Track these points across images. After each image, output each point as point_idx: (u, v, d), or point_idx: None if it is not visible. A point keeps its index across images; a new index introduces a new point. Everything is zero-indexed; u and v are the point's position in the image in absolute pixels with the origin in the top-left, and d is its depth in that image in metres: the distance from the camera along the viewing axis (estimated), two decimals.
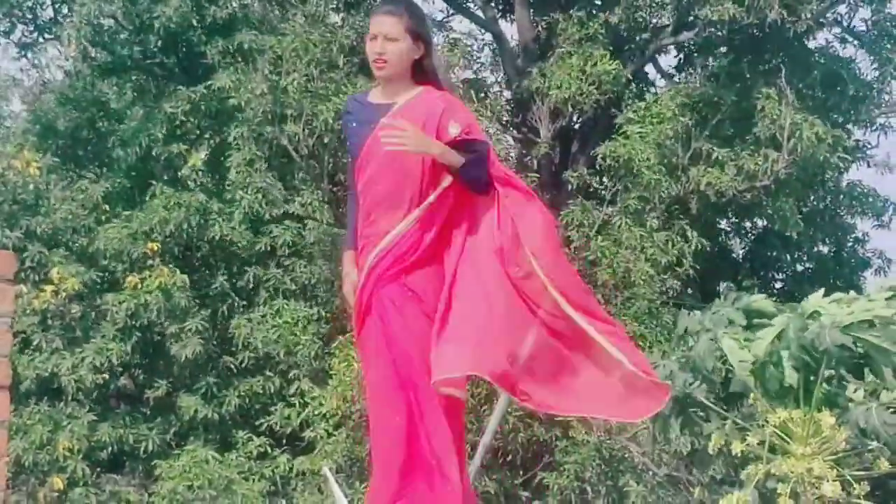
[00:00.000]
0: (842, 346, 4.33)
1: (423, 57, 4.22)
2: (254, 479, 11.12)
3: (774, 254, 14.94)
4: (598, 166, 12.47)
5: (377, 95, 4.31)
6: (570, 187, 12.74)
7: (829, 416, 4.31)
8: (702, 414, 4.82)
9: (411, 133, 4.02)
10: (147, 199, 12.03)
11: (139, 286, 11.37)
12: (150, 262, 11.51)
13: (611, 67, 12.31)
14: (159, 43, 12.92)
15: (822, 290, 4.84)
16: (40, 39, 14.23)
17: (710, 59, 13.49)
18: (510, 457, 10.78)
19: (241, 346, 11.75)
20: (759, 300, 4.95)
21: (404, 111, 4.16)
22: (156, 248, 11.51)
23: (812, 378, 4.40)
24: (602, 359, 4.11)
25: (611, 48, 12.78)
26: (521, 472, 11.14)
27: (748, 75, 12.95)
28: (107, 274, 12.09)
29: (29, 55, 14.06)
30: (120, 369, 11.96)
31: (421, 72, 4.23)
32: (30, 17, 14.00)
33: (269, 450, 11.46)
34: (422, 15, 4.34)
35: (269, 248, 11.92)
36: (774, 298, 5.32)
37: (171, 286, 11.39)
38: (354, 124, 4.31)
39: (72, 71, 13.74)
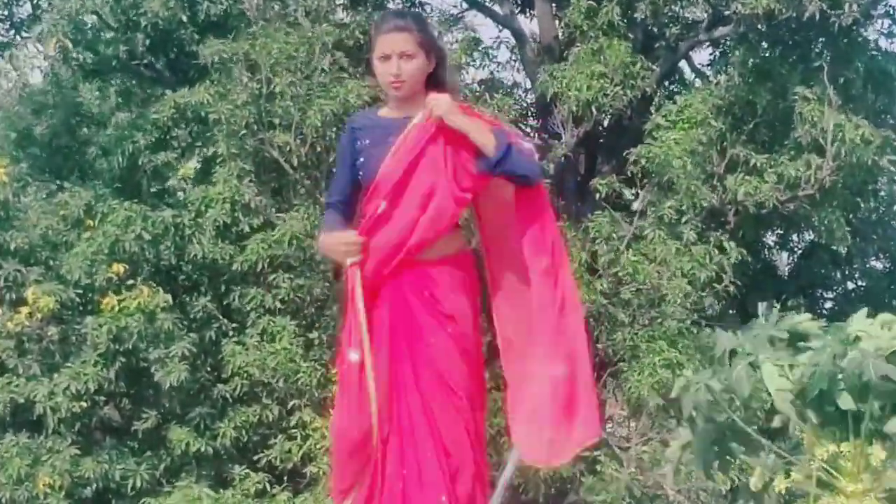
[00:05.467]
0: (885, 378, 4.31)
1: (436, 69, 4.34)
2: None
3: (823, 271, 14.91)
4: (629, 173, 12.49)
5: (389, 111, 4.43)
6: (597, 196, 12.76)
7: (881, 450, 4.30)
8: (743, 447, 4.82)
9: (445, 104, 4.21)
10: (99, 217, 11.99)
11: (117, 308, 11.38)
12: (129, 281, 11.54)
13: (638, 66, 12.35)
14: (147, 42, 12.96)
15: (864, 310, 4.80)
16: (17, 38, 14.27)
17: (747, 56, 13.51)
18: (532, 494, 10.80)
19: (233, 372, 11.76)
20: (804, 321, 4.94)
21: (423, 126, 4.29)
22: (122, 270, 11.53)
23: (860, 407, 4.39)
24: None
25: (639, 45, 12.82)
26: None
27: (786, 73, 12.97)
28: (87, 294, 12.11)
29: (5, 55, 14.07)
30: (103, 398, 11.95)
31: (434, 84, 4.35)
32: (5, 13, 14.09)
33: (268, 486, 11.47)
34: (431, 26, 4.53)
35: (258, 266, 11.88)
36: (824, 320, 5.31)
37: (153, 307, 11.42)
38: (368, 141, 4.40)
39: (50, 73, 13.78)
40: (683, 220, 12.16)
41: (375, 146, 4.35)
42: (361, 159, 4.41)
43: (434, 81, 4.34)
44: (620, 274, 11.91)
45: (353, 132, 4.49)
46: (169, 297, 11.59)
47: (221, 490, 11.38)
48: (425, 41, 4.30)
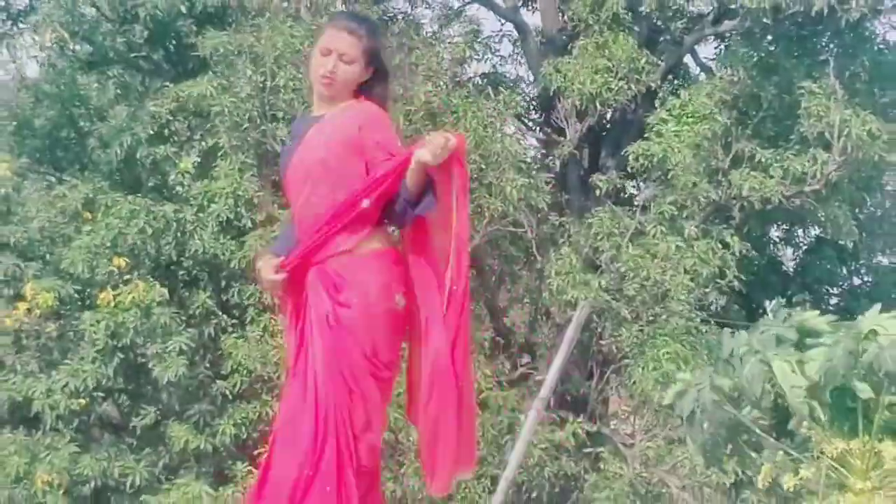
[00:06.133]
0: None
1: (371, 80, 4.32)
2: None
3: (828, 266, 14.92)
4: (629, 169, 12.52)
5: (313, 109, 4.45)
6: (598, 192, 12.78)
7: (893, 447, 4.31)
8: (750, 445, 4.82)
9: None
10: (102, 209, 12.03)
11: (112, 303, 11.39)
12: (126, 276, 11.55)
13: (643, 61, 12.37)
14: (145, 34, 12.96)
15: (878, 306, 4.81)
16: (14, 29, 14.26)
17: (753, 50, 13.51)
18: (535, 492, 10.81)
19: (232, 368, 11.77)
20: (812, 317, 4.95)
21: (325, 123, 4.28)
22: (123, 263, 11.54)
23: (871, 404, 4.40)
24: None
25: (644, 39, 12.83)
26: None
27: (792, 68, 12.96)
28: (84, 289, 12.12)
29: (2, 45, 14.05)
30: (101, 395, 11.94)
31: (366, 95, 4.33)
32: (2, 3, 14.08)
33: None
34: (381, 39, 4.45)
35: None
36: (829, 315, 5.31)
37: (149, 302, 11.42)
38: (290, 142, 4.47)
39: (48, 65, 13.76)
40: (684, 215, 12.17)
41: (291, 144, 4.40)
42: (281, 158, 4.51)
43: (366, 92, 4.33)
44: (622, 269, 11.91)
45: (289, 135, 4.58)
46: (165, 291, 11.59)
47: (221, 488, 11.38)
48: (369, 51, 4.28)
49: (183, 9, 12.52)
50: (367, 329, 4.19)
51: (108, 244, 11.62)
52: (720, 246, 12.06)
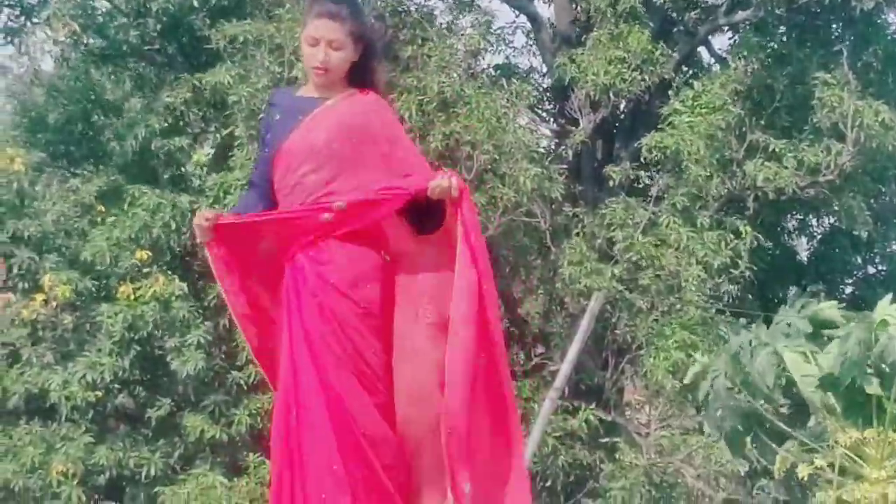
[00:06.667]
0: None
1: (362, 59, 4.35)
2: None
3: (843, 255, 14.95)
4: (643, 160, 12.56)
5: (306, 91, 4.44)
6: (611, 183, 12.83)
7: None
8: (764, 432, 4.88)
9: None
10: (127, 202, 12.07)
11: (132, 296, 11.46)
12: (146, 269, 11.61)
13: (657, 51, 12.40)
14: (158, 27, 13.00)
15: (889, 296, 4.85)
16: (27, 24, 14.31)
17: (766, 40, 13.53)
18: (550, 482, 10.86)
19: (247, 359, 11.82)
20: (826, 308, 5.01)
21: (332, 109, 4.30)
22: (146, 256, 11.60)
23: (886, 394, 4.44)
24: None
25: (658, 30, 12.85)
26: (562, 499, 11.20)
27: (805, 58, 12.98)
28: (101, 281, 12.18)
29: (16, 42, 14.12)
30: (117, 386, 12.00)
31: (360, 74, 4.37)
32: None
33: None
34: (363, 14, 4.45)
35: None
36: (843, 305, 5.35)
37: (168, 296, 11.49)
38: (278, 116, 4.41)
39: (61, 59, 13.81)
40: (698, 206, 12.21)
41: (284, 122, 4.36)
42: (269, 135, 4.43)
43: (359, 71, 4.36)
44: (635, 259, 11.96)
45: (269, 108, 4.54)
46: (184, 285, 11.64)
47: (236, 478, 11.44)
48: (356, 31, 4.29)
49: (195, 3, 12.55)
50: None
51: (133, 237, 11.68)
52: (732, 236, 12.09)
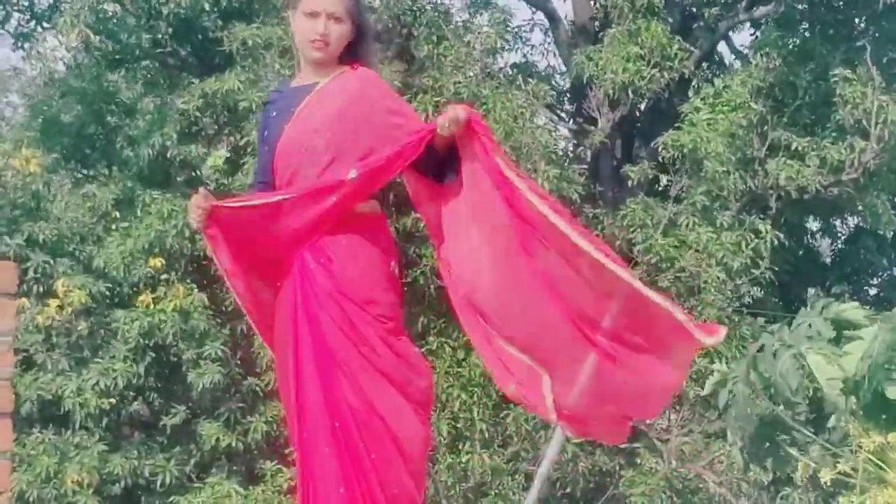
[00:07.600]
0: None
1: (355, 41, 4.31)
2: None
3: (868, 256, 14.85)
4: (661, 159, 12.47)
5: (298, 80, 4.42)
6: (630, 183, 12.75)
7: None
8: (786, 438, 4.81)
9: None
10: (140, 208, 12.01)
11: (152, 306, 11.42)
12: (163, 276, 11.57)
13: (675, 48, 12.31)
14: (170, 31, 12.98)
15: None
16: (38, 29, 14.35)
17: (788, 36, 13.44)
18: (569, 488, 10.78)
19: (264, 366, 11.78)
20: (850, 309, 4.93)
21: (322, 94, 4.26)
22: (160, 264, 11.56)
23: None
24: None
25: (677, 26, 12.77)
26: None
27: (827, 54, 12.88)
28: (117, 287, 12.14)
29: (26, 46, 14.16)
30: (132, 393, 11.97)
31: (351, 56, 4.33)
32: (25, 4, 14.17)
33: None
34: None
35: None
36: (868, 307, 5.28)
37: (188, 307, 11.44)
38: (274, 113, 4.38)
39: (73, 63, 13.81)
40: (718, 205, 12.11)
41: (278, 118, 4.33)
42: (266, 132, 4.40)
43: (351, 53, 4.32)
44: (654, 261, 11.87)
45: (266, 107, 4.52)
46: (204, 297, 11.59)
47: (252, 486, 11.40)
48: (353, 9, 4.27)
49: (206, 6, 12.52)
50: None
51: (146, 247, 11.64)
52: (752, 236, 11.99)
